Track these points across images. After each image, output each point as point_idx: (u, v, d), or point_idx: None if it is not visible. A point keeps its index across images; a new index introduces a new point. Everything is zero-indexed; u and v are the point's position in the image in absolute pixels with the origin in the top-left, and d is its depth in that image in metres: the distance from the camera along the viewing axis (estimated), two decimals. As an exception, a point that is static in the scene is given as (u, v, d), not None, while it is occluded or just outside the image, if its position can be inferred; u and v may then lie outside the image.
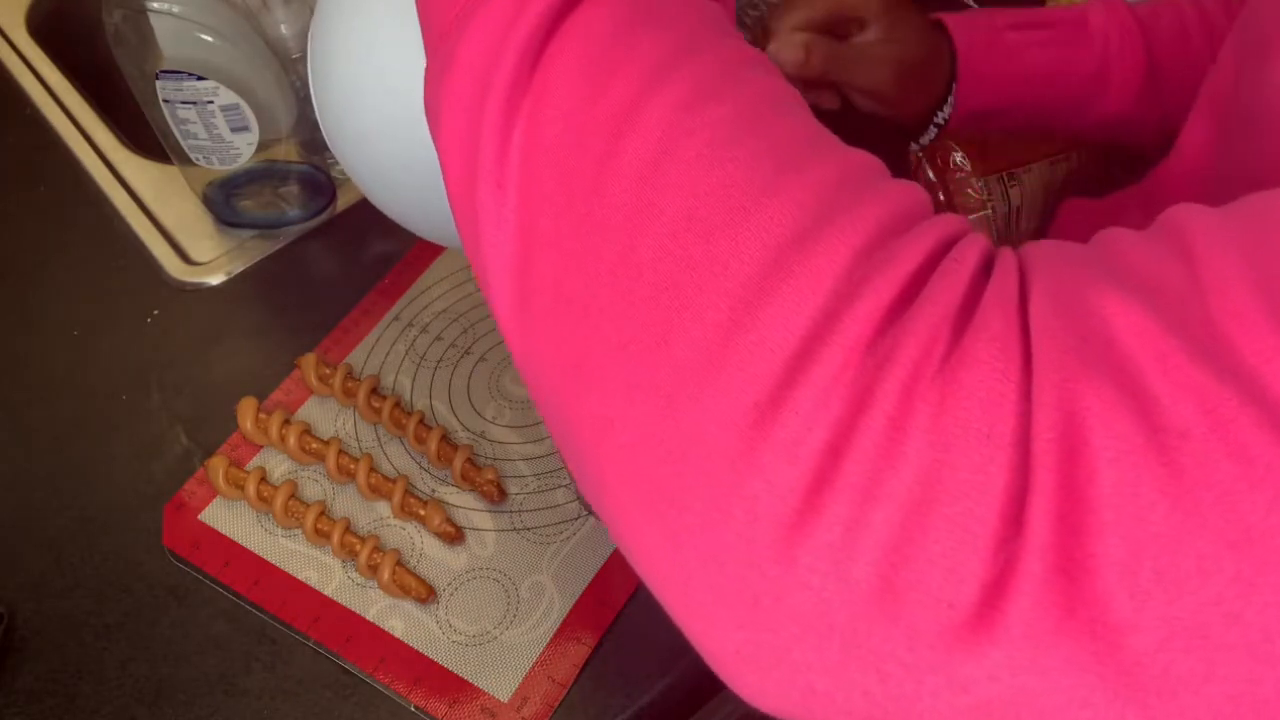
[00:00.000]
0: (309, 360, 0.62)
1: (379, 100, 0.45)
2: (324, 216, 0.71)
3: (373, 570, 0.55)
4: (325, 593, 0.55)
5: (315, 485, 0.59)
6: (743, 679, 0.25)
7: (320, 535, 0.56)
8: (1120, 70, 0.59)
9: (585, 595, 0.55)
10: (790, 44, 0.55)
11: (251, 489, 0.57)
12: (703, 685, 0.54)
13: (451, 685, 0.52)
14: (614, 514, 0.26)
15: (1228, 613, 0.20)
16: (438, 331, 0.66)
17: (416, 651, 0.53)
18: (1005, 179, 0.69)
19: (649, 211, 0.25)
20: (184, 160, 0.66)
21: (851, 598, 0.22)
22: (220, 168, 0.66)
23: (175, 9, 0.59)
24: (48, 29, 0.86)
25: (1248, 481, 0.20)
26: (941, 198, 0.68)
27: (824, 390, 0.22)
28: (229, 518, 0.58)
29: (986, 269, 0.25)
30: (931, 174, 0.68)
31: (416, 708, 0.52)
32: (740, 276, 0.24)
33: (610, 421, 0.26)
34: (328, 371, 0.62)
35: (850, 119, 0.59)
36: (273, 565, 0.56)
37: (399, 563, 0.55)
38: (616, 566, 0.55)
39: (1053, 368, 0.22)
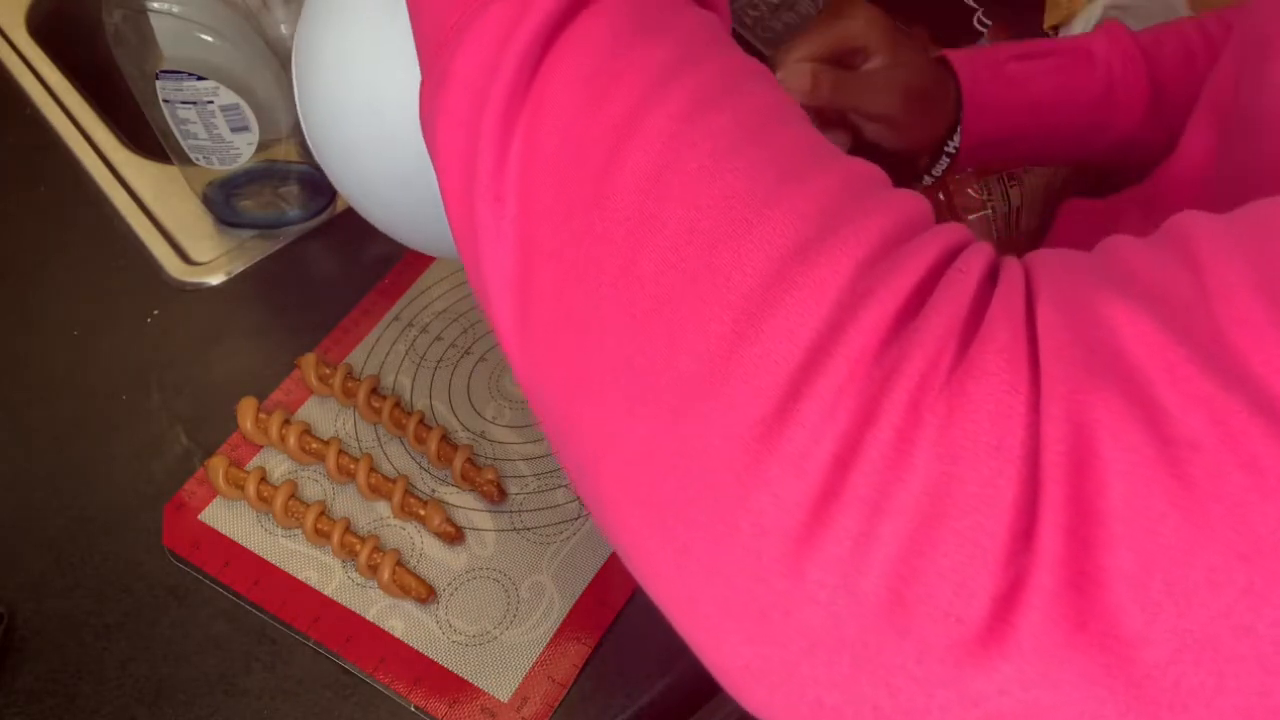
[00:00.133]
0: (309, 360, 0.62)
1: (365, 111, 0.45)
2: (324, 216, 0.71)
3: (373, 570, 0.55)
4: (325, 593, 0.55)
5: (315, 485, 0.59)
6: (751, 694, 0.25)
7: (320, 535, 0.56)
8: (1125, 96, 0.60)
9: (585, 595, 0.55)
10: (798, 72, 0.56)
11: (251, 489, 0.57)
12: (703, 685, 0.54)
13: (451, 685, 0.52)
14: (618, 529, 0.26)
15: (1239, 625, 0.20)
16: (438, 331, 0.66)
17: (416, 651, 0.53)
18: (1005, 179, 0.69)
19: (650, 224, 0.25)
20: (184, 160, 0.66)
21: (861, 611, 0.22)
22: (220, 168, 0.66)
23: (175, 9, 0.59)
24: (48, 29, 0.86)
25: (1259, 493, 0.20)
26: (941, 197, 0.68)
27: (830, 402, 0.22)
28: (229, 518, 0.58)
29: (991, 278, 0.25)
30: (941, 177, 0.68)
31: (416, 708, 0.52)
32: (743, 288, 0.24)
33: (613, 436, 0.25)
34: (328, 371, 0.62)
35: (862, 154, 0.59)
36: (273, 565, 0.56)
37: (399, 563, 0.55)
38: (616, 566, 0.55)
39: (1061, 379, 0.22)
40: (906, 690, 0.22)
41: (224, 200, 0.70)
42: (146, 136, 0.68)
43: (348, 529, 0.56)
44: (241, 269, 0.69)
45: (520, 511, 0.58)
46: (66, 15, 0.88)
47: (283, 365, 0.64)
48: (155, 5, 0.59)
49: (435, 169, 0.30)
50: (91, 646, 0.54)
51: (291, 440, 0.59)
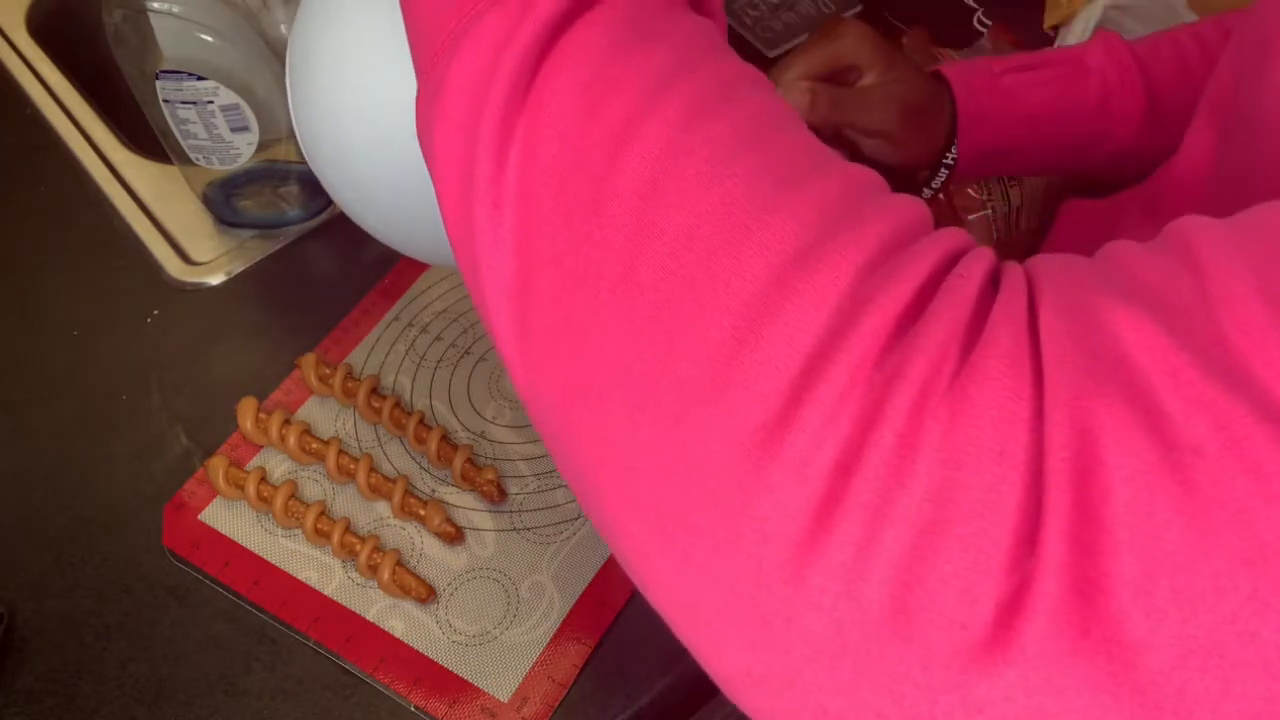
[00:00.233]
0: (309, 360, 0.62)
1: (359, 117, 0.45)
2: (324, 216, 0.71)
3: (373, 570, 0.55)
4: (325, 593, 0.55)
5: (315, 485, 0.59)
6: (753, 701, 0.24)
7: (320, 535, 0.56)
8: (1121, 107, 0.60)
9: (585, 595, 0.55)
10: (795, 90, 0.56)
11: (251, 489, 0.57)
12: (702, 686, 0.54)
13: (451, 685, 0.52)
14: (619, 537, 0.26)
15: (1244, 631, 0.20)
16: (438, 331, 0.66)
17: (416, 651, 0.53)
18: (1005, 179, 0.69)
19: (649, 230, 0.25)
20: (184, 160, 0.66)
21: (864, 618, 0.22)
22: (220, 168, 0.66)
23: (175, 9, 0.59)
24: (48, 29, 0.86)
25: (1263, 498, 0.20)
26: (941, 198, 0.68)
27: (832, 408, 0.22)
28: (229, 518, 0.58)
29: (993, 283, 0.25)
30: (940, 190, 0.68)
31: (416, 708, 0.52)
32: (743, 295, 0.24)
33: (613, 443, 0.25)
34: (328, 371, 0.62)
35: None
36: (273, 565, 0.56)
37: (399, 563, 0.55)
38: (616, 567, 0.55)
39: (1064, 385, 0.22)
40: (910, 697, 0.22)
41: (224, 200, 0.70)
42: (146, 136, 0.68)
43: (348, 529, 0.56)
44: (241, 269, 0.69)
45: (520, 511, 0.58)
46: (66, 15, 0.88)
47: (283, 365, 0.64)
48: (155, 5, 0.59)
49: (432, 176, 0.30)
50: (91, 646, 0.54)
51: (291, 440, 0.59)
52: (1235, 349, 0.21)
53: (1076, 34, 0.74)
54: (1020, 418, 0.21)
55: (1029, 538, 0.21)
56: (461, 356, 0.65)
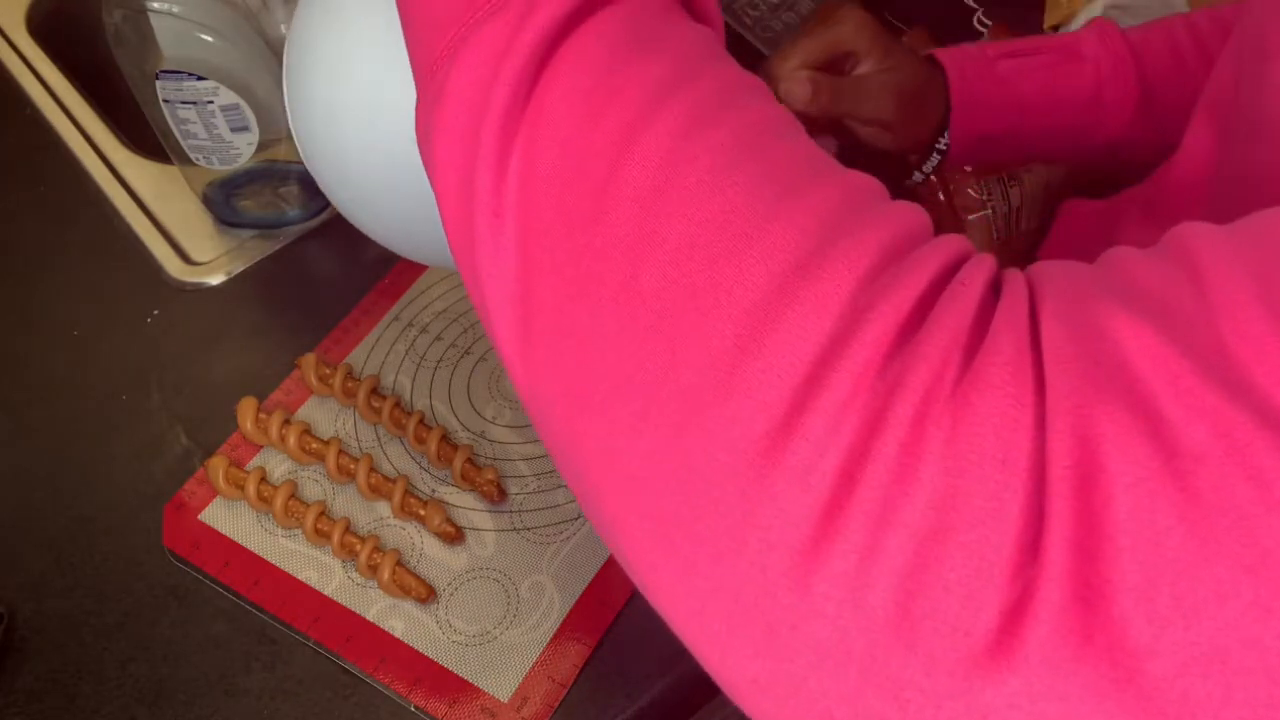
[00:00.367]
0: (309, 360, 0.62)
1: (358, 119, 0.45)
2: (324, 216, 0.71)
3: (373, 570, 0.55)
4: (325, 593, 0.55)
5: (315, 485, 0.59)
6: (759, 708, 0.25)
7: (320, 535, 0.56)
8: (1114, 93, 0.60)
9: (585, 595, 0.55)
10: (797, 80, 0.57)
11: (251, 489, 0.57)
12: (702, 686, 0.54)
13: (451, 685, 0.52)
14: (624, 545, 0.26)
15: (1246, 637, 0.20)
16: (438, 331, 0.66)
17: (416, 651, 0.53)
18: (1005, 179, 0.69)
19: (651, 239, 0.25)
20: (184, 160, 0.66)
21: (868, 625, 0.22)
22: (220, 168, 0.66)
23: (175, 9, 0.59)
24: (48, 29, 0.86)
25: (1264, 505, 0.20)
26: (941, 198, 0.68)
27: (835, 416, 0.22)
28: (229, 518, 0.58)
29: (994, 291, 0.25)
30: (932, 174, 0.68)
31: (416, 708, 0.52)
32: (745, 303, 0.24)
33: (616, 451, 0.25)
34: (328, 371, 0.62)
35: (852, 155, 0.60)
36: (273, 565, 0.56)
37: (399, 563, 0.55)
38: (617, 567, 0.55)
39: (1066, 392, 0.22)
40: (915, 703, 0.22)
41: (224, 200, 0.70)
42: (146, 136, 0.68)
43: (348, 529, 0.56)
44: (241, 269, 0.69)
45: (520, 511, 0.58)
46: (66, 15, 0.88)
47: (283, 365, 0.64)
48: (155, 5, 0.59)
49: (432, 184, 0.30)
50: (91, 646, 0.54)
51: (291, 440, 0.59)
52: (1236, 356, 0.21)
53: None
54: (1022, 425, 0.22)
55: (1031, 545, 0.21)
56: (461, 356, 0.65)
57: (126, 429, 0.62)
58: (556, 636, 0.53)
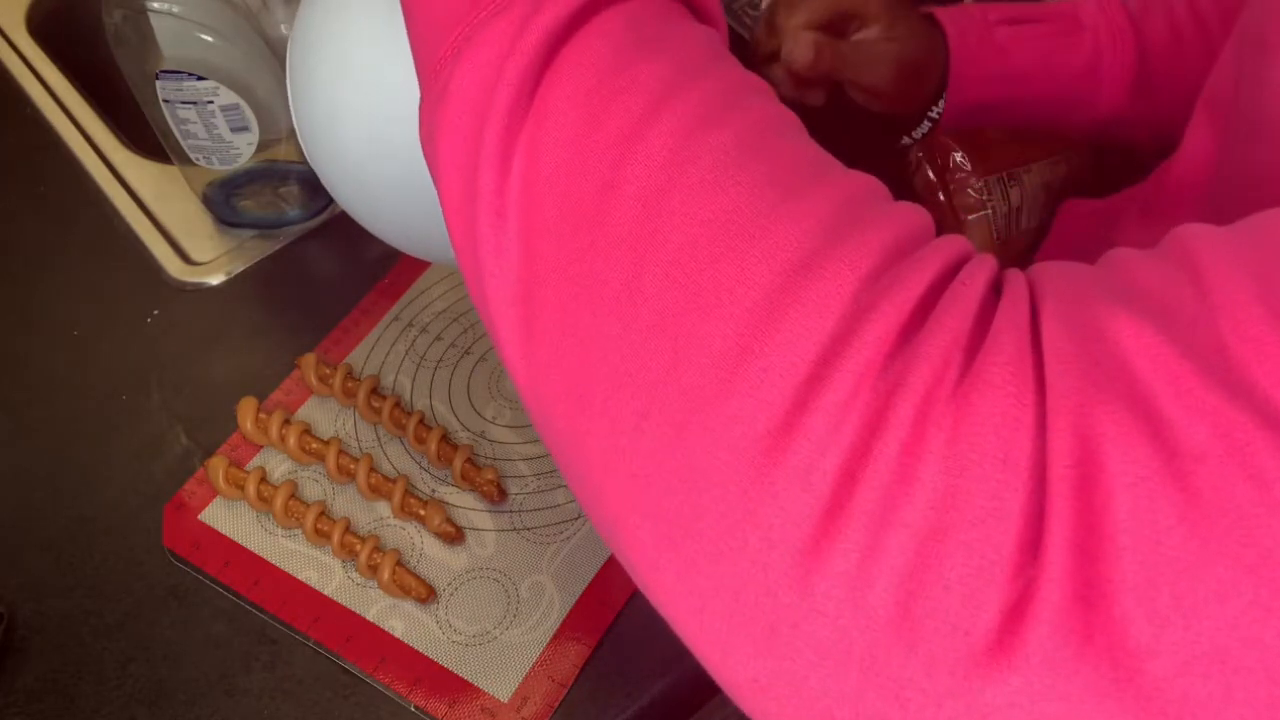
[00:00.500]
0: (309, 360, 0.62)
1: (361, 116, 0.45)
2: (324, 216, 0.71)
3: (373, 570, 0.55)
4: (325, 593, 0.55)
5: (315, 485, 0.59)
6: (760, 707, 0.25)
7: (320, 535, 0.56)
8: (1111, 66, 0.60)
9: (585, 595, 0.55)
10: (803, 42, 0.57)
11: (251, 489, 0.57)
12: (702, 685, 0.54)
13: (451, 685, 0.52)
14: (625, 544, 0.26)
15: (1246, 637, 0.20)
16: (438, 331, 0.66)
17: (416, 651, 0.53)
18: (1005, 179, 0.69)
19: (653, 239, 0.25)
20: (184, 160, 0.66)
21: (869, 625, 0.22)
22: (220, 168, 0.66)
23: (175, 9, 0.59)
24: (48, 29, 0.86)
25: (1265, 505, 0.20)
26: (941, 198, 0.68)
27: (836, 415, 0.22)
28: (229, 518, 0.58)
29: (995, 291, 0.25)
30: (931, 174, 0.68)
31: (416, 708, 0.52)
32: (746, 303, 0.24)
33: (618, 450, 0.25)
34: (328, 371, 0.62)
35: (843, 114, 0.60)
36: (273, 565, 0.56)
37: (399, 563, 0.55)
38: (616, 566, 0.55)
39: (1067, 392, 0.22)
40: (916, 702, 0.22)
41: (224, 200, 0.70)
42: (146, 136, 0.68)
43: (348, 529, 0.56)
44: (241, 269, 0.69)
45: (520, 511, 0.58)
46: (66, 15, 0.88)
47: (283, 365, 0.64)
48: (155, 5, 0.59)
49: (436, 183, 0.30)
50: (91, 646, 0.54)
51: (291, 440, 0.59)
52: (1236, 356, 0.21)
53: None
54: (1023, 425, 0.22)
55: (1032, 544, 0.21)
56: (461, 356, 0.65)
57: (126, 429, 0.62)
58: (556, 636, 0.53)
